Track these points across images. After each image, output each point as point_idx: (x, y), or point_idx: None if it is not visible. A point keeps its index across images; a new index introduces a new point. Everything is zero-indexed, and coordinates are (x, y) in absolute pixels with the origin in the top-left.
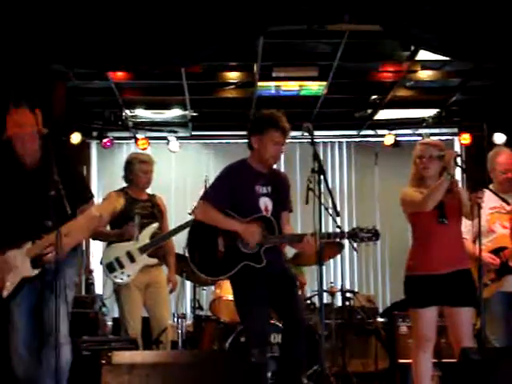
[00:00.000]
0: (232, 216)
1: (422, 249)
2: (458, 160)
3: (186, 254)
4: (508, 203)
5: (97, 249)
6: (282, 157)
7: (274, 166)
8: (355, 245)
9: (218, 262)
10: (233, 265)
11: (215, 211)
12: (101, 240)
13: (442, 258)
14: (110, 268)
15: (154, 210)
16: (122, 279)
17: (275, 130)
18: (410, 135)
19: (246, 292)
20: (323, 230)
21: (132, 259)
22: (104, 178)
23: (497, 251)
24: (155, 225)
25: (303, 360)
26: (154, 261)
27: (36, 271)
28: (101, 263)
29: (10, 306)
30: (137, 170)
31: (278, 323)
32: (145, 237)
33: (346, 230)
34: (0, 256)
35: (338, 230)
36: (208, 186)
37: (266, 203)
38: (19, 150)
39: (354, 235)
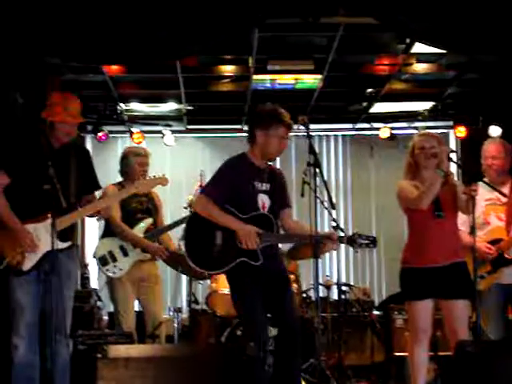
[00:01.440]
0: (231, 212)
1: (418, 242)
2: (452, 156)
3: (182, 247)
4: (504, 195)
5: (91, 243)
6: None
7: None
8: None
9: (214, 257)
10: (229, 260)
11: (215, 207)
12: (120, 237)
13: (438, 250)
14: (102, 261)
15: (149, 205)
16: (114, 273)
17: (282, 126)
18: (405, 128)
19: (243, 287)
20: (319, 226)
21: (125, 253)
22: (99, 172)
23: (492, 243)
24: (149, 220)
25: (299, 363)
26: (147, 256)
27: (65, 244)
28: (94, 256)
29: (13, 284)
30: (132, 163)
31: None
32: (138, 232)
33: (343, 226)
34: (20, 227)
35: (339, 232)
36: (206, 179)
37: (263, 200)
38: (58, 134)
39: (352, 241)
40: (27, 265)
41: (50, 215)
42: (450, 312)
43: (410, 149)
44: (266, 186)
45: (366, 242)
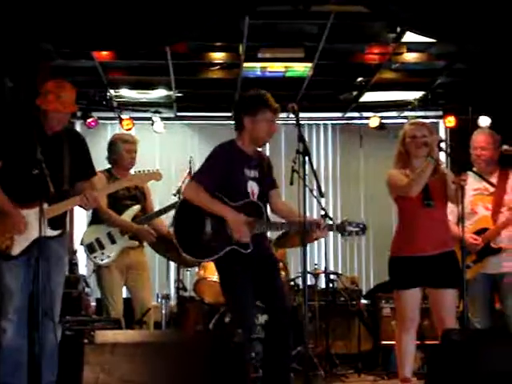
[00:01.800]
0: (221, 200)
1: (407, 231)
2: (442, 145)
3: (171, 233)
4: (493, 185)
5: (80, 229)
6: None
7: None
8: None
9: (204, 244)
10: (219, 248)
11: (205, 194)
12: (108, 223)
13: (428, 239)
14: (90, 248)
15: (136, 192)
16: (102, 260)
17: (268, 110)
18: (395, 118)
19: (233, 276)
20: (308, 214)
21: (112, 240)
22: None
23: (479, 233)
24: (136, 207)
25: (289, 349)
26: (135, 243)
27: (55, 232)
28: (81, 243)
29: (2, 269)
30: (120, 150)
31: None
32: (126, 219)
33: (331, 215)
34: (14, 211)
35: (333, 221)
36: (195, 166)
37: (252, 187)
38: (51, 122)
39: (342, 228)
40: (16, 249)
41: (43, 201)
42: (437, 301)
43: (400, 137)
44: (254, 173)
45: (356, 229)
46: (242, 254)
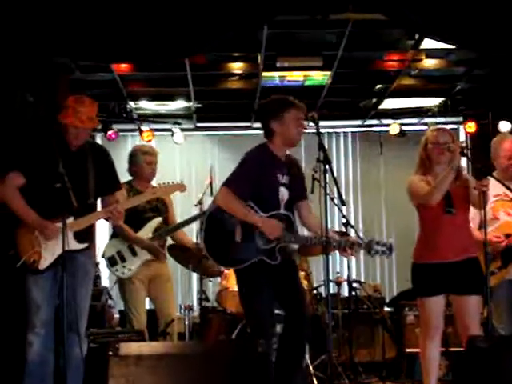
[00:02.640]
0: (253, 209)
1: (429, 238)
2: (465, 151)
3: (199, 241)
4: None
5: (102, 242)
6: None
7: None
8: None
9: (233, 252)
10: (247, 257)
11: (237, 201)
12: (122, 238)
13: (450, 246)
14: (111, 261)
15: (158, 204)
16: (123, 273)
17: (292, 108)
18: (415, 124)
19: (257, 286)
20: (329, 222)
21: (134, 253)
22: None
23: None
24: (158, 219)
25: (303, 351)
26: None
27: (81, 246)
28: (103, 256)
29: (29, 282)
30: (141, 162)
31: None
32: (147, 231)
33: (353, 223)
34: (41, 221)
35: (353, 237)
36: (216, 176)
37: (283, 193)
38: (69, 136)
39: (368, 247)
40: (44, 264)
41: (69, 216)
42: (461, 308)
43: (422, 143)
44: (285, 179)
45: (383, 248)
46: (267, 264)
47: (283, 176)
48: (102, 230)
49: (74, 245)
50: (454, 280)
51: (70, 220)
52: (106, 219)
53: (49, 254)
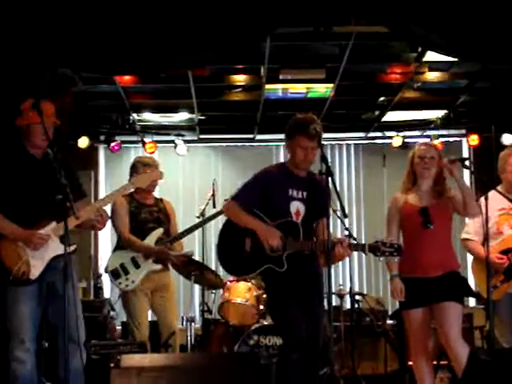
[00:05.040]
0: (259, 216)
1: (410, 253)
2: (467, 163)
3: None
4: None
5: (104, 253)
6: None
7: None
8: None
9: (242, 262)
10: (256, 266)
11: (239, 210)
12: (130, 249)
13: (430, 261)
14: (114, 275)
15: (159, 215)
16: (126, 285)
17: (302, 136)
18: (418, 137)
19: (276, 296)
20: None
21: (137, 265)
22: (112, 182)
23: (505, 252)
24: (160, 230)
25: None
26: (159, 266)
27: (69, 249)
28: (106, 271)
29: (14, 293)
30: (141, 173)
31: None
32: (150, 242)
33: (355, 235)
34: (22, 232)
35: (357, 241)
36: (219, 188)
37: (297, 207)
38: (34, 139)
39: (375, 248)
40: (35, 273)
41: (50, 221)
42: (440, 315)
43: (409, 158)
44: (302, 194)
45: (390, 249)
46: (278, 273)
47: (299, 192)
48: (105, 243)
49: (62, 249)
50: (434, 291)
51: (53, 225)
52: (92, 227)
53: (38, 262)
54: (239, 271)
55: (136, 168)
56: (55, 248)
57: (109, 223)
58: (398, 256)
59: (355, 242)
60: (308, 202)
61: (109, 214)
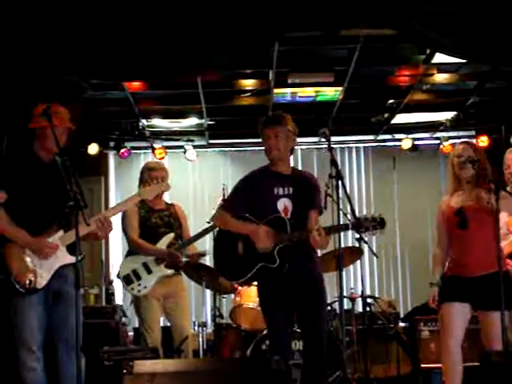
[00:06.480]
0: (248, 219)
1: (453, 254)
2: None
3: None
4: None
5: (116, 259)
6: (300, 162)
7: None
8: (373, 249)
9: (237, 266)
10: (250, 267)
11: (228, 217)
12: (141, 253)
13: (470, 262)
14: (127, 280)
15: (170, 220)
16: (139, 291)
17: (262, 128)
18: (427, 139)
19: (264, 296)
20: (342, 237)
21: (149, 270)
22: (122, 189)
23: None
24: (171, 235)
25: (324, 379)
26: (171, 271)
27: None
28: (118, 276)
29: (22, 302)
30: (147, 178)
31: (298, 330)
32: (161, 247)
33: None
34: (32, 239)
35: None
36: (226, 193)
37: (285, 204)
38: (47, 142)
39: (358, 225)
40: (42, 282)
41: (58, 229)
42: (488, 324)
43: (450, 159)
44: (288, 190)
45: (373, 223)
46: (272, 270)
47: (285, 189)
48: (116, 249)
49: (69, 259)
50: (478, 294)
51: (61, 234)
52: (96, 237)
53: (45, 271)
54: (236, 275)
55: (143, 173)
56: (62, 257)
57: (119, 230)
58: (381, 229)
59: (341, 224)
60: (295, 198)
61: (119, 220)
